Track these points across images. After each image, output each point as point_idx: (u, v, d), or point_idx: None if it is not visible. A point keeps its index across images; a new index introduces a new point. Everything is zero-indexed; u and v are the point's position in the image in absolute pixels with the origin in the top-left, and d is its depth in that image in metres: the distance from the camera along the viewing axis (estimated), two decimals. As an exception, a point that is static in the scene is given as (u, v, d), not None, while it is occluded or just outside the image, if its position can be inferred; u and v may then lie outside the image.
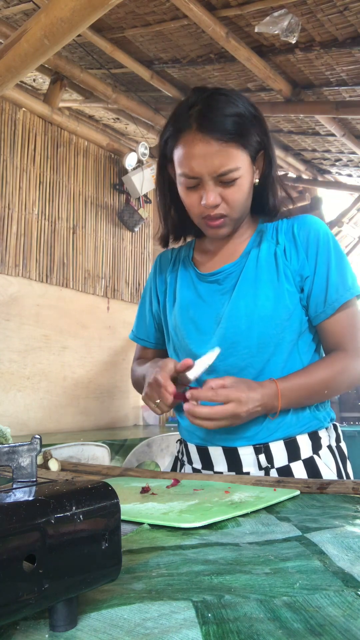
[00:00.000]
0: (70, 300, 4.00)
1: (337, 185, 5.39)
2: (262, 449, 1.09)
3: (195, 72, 3.66)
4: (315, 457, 1.10)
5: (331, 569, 0.49)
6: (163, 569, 0.51)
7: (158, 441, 2.47)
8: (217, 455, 1.12)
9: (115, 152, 4.48)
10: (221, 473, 1.11)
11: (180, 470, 1.22)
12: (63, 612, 0.38)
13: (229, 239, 1.17)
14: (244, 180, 1.05)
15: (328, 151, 4.69)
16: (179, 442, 1.28)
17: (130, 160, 4.30)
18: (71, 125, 4.07)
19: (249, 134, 1.03)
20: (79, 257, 4.11)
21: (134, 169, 4.38)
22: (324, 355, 1.18)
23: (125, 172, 4.39)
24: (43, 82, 4.19)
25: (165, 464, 2.17)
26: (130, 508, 0.77)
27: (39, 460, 1.17)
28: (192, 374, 1.01)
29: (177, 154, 1.05)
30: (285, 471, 1.08)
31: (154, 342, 1.32)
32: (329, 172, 5.24)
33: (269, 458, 1.08)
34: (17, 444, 0.45)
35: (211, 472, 1.12)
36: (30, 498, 0.38)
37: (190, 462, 1.18)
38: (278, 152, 4.60)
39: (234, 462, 1.10)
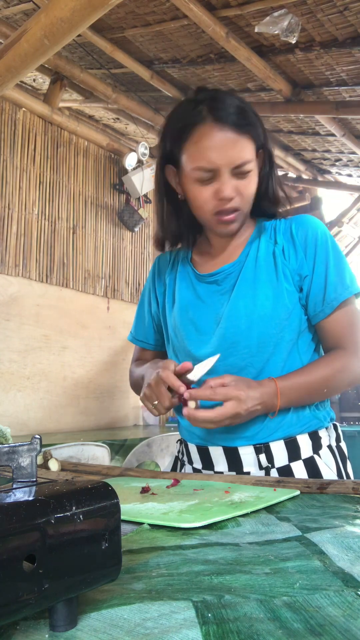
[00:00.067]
0: (70, 300, 4.00)
1: (337, 185, 5.39)
2: (262, 448, 1.09)
3: (195, 72, 3.66)
4: (316, 456, 1.10)
5: (331, 569, 0.49)
6: (163, 569, 0.51)
7: (158, 441, 2.47)
8: (217, 455, 1.12)
9: (115, 152, 4.48)
10: (221, 473, 1.11)
11: (180, 470, 1.22)
12: (63, 612, 0.38)
13: (228, 239, 1.17)
14: (254, 174, 1.08)
15: (328, 151, 4.69)
16: (179, 442, 1.28)
17: (130, 160, 4.31)
18: (71, 125, 4.07)
19: (256, 127, 1.07)
20: (79, 257, 4.11)
21: (134, 169, 4.38)
22: (323, 354, 1.18)
23: (125, 172, 4.39)
24: (43, 82, 4.19)
25: (165, 464, 2.17)
26: (130, 508, 0.77)
27: (39, 460, 1.17)
28: (191, 377, 1.00)
29: (191, 149, 1.05)
30: (285, 471, 1.08)
31: (153, 343, 1.32)
32: (329, 172, 5.24)
33: (270, 458, 1.08)
34: (17, 444, 0.45)
35: (211, 472, 1.12)
36: (30, 498, 0.38)
37: (190, 462, 1.18)
38: (278, 152, 4.60)
39: (234, 461, 1.10)
